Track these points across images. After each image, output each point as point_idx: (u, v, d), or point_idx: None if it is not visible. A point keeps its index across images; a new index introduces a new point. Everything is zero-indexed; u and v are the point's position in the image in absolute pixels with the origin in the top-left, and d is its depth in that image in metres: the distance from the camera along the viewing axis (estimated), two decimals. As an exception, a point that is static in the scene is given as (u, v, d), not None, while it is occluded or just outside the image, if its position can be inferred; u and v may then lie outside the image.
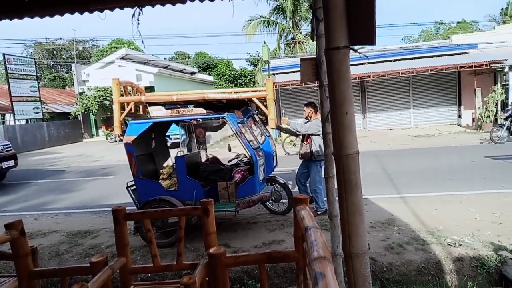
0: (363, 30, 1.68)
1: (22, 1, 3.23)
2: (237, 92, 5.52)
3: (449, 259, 4.10)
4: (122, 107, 5.19)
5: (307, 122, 5.83)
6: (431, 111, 18.24)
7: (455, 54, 17.64)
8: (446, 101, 18.11)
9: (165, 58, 37.24)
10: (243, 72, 37.75)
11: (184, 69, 33.22)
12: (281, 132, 6.00)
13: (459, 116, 17.86)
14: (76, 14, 3.40)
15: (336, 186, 2.20)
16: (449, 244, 4.38)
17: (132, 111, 5.33)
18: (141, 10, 2.79)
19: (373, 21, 1.67)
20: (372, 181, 7.59)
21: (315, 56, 2.93)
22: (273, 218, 5.85)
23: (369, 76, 16.00)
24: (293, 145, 13.47)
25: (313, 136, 5.67)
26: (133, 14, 2.82)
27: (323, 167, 5.86)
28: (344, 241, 1.75)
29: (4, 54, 21.43)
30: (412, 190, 6.90)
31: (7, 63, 21.40)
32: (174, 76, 28.50)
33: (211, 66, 40.67)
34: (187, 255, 4.56)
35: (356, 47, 1.83)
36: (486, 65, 15.17)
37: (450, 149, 11.37)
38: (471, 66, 15.36)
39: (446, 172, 8.22)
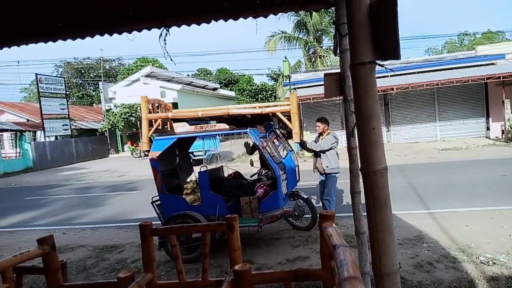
0: (388, 45, 1.67)
1: (56, 24, 3.40)
2: (261, 107, 5.54)
3: (483, 278, 3.90)
4: (150, 124, 5.31)
5: (318, 139, 6.09)
6: (458, 123, 17.72)
7: (481, 65, 17.18)
8: (473, 113, 17.57)
9: (188, 75, 38.00)
10: (264, 87, 38.10)
11: (206, 85, 33.76)
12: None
13: (488, 128, 17.27)
14: (106, 35, 3.55)
15: (362, 202, 2.16)
16: (482, 262, 4.18)
17: (160, 128, 5.44)
18: (167, 30, 2.87)
19: (397, 35, 1.66)
20: (398, 196, 7.39)
21: (339, 71, 2.93)
22: (296, 234, 5.77)
23: (392, 89, 15.77)
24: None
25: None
26: (160, 35, 2.91)
27: (337, 179, 5.91)
28: (373, 259, 1.70)
29: (36, 74, 22.47)
30: (441, 205, 6.67)
31: (39, 82, 22.42)
32: (197, 92, 28.98)
33: (232, 81, 41.24)
34: (211, 271, 4.53)
35: (381, 62, 1.82)
36: (515, 75, 14.69)
37: (479, 163, 10.96)
38: (499, 77, 14.90)
39: (475, 187, 7.92)
